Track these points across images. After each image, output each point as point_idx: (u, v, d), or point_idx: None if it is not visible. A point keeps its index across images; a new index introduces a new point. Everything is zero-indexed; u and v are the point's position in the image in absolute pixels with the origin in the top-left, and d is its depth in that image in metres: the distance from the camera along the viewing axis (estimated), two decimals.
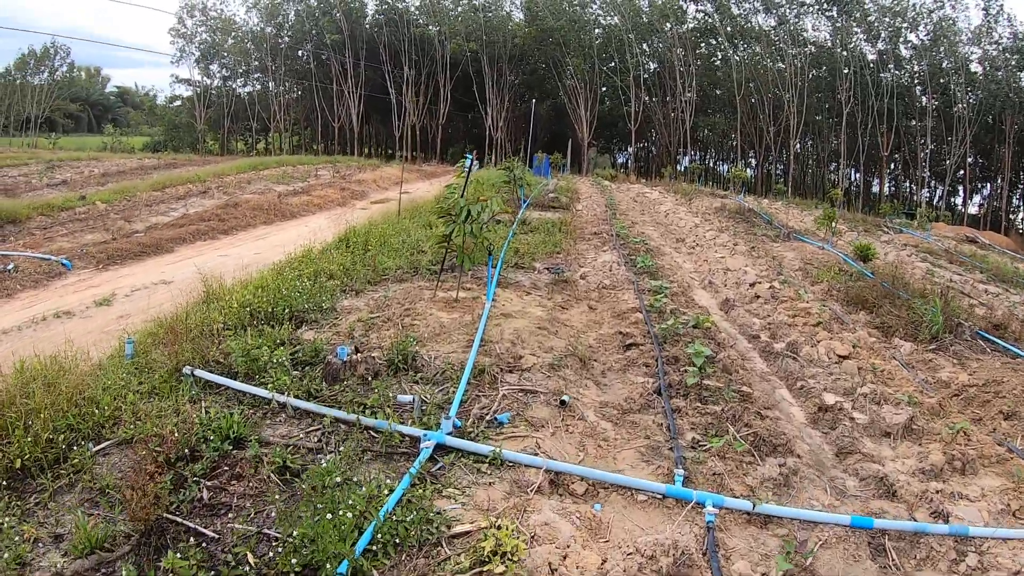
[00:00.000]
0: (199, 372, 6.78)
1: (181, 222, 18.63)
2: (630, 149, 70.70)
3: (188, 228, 17.57)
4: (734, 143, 64.37)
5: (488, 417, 5.75)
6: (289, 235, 17.19)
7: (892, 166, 59.34)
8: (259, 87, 70.03)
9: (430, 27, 62.22)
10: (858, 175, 61.08)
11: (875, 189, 61.97)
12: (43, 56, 69.78)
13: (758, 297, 12.96)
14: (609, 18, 61.46)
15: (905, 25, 53.47)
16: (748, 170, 60.32)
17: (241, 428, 5.67)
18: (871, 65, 54.19)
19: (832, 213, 20.06)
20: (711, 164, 70.94)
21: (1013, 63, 50.80)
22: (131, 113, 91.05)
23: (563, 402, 6.22)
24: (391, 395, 6.07)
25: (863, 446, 7.43)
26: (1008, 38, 51.11)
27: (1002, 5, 49.69)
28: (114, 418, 5.99)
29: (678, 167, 61.24)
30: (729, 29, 58.13)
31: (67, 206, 20.79)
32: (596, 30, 61.17)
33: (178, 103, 71.15)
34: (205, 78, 68.19)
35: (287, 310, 8.72)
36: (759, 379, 8.85)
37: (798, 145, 57.77)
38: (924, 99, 53.13)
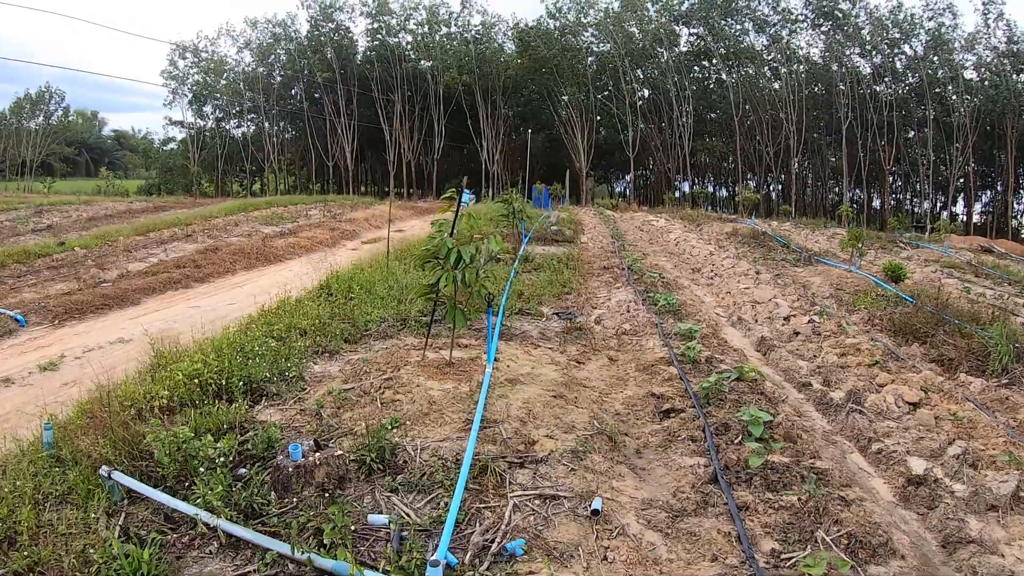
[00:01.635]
0: (117, 475, 5.18)
1: (156, 269, 17.11)
2: (628, 177, 69.64)
3: (161, 276, 16.03)
4: (732, 166, 63.24)
5: (494, 548, 4.10)
6: (269, 281, 15.67)
7: (891, 179, 57.98)
8: (253, 127, 69.23)
9: (422, 62, 61.51)
10: (859, 191, 59.65)
11: (875, 204, 60.65)
12: (38, 100, 69.86)
13: (797, 334, 11.36)
14: (602, 45, 60.63)
15: (899, 36, 52.45)
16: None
17: (153, 568, 4.07)
18: (868, 79, 53.12)
19: (859, 234, 18.59)
20: (711, 189, 69.69)
21: (1009, 67, 49.63)
22: (128, 156, 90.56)
23: (595, 511, 4.59)
24: (360, 513, 4.44)
25: (971, 529, 5.83)
26: (1004, 43, 50.01)
27: (1001, 11, 48.34)
28: (9, 538, 4.50)
29: (677, 193, 60.01)
30: (723, 51, 57.22)
31: (44, 252, 19.56)
32: (589, 58, 60.32)
33: (172, 145, 70.48)
34: (198, 119, 67.61)
35: (243, 382, 7.14)
36: (823, 441, 7.23)
37: (796, 164, 56.36)
38: (923, 109, 51.92)
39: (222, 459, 5.16)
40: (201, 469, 5.09)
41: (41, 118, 70.64)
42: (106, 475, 5.21)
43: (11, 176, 67.27)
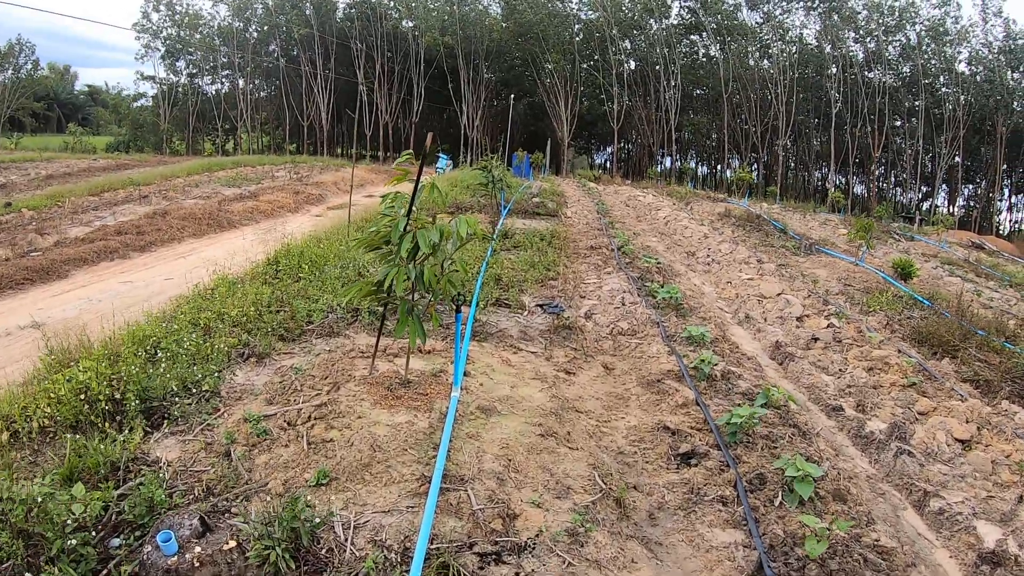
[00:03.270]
0: None
1: (95, 235, 15.29)
2: (609, 149, 67.81)
3: (98, 244, 14.24)
4: (715, 144, 61.66)
5: None
6: (216, 252, 13.94)
7: (875, 168, 56.74)
8: (227, 85, 66.38)
9: (404, 21, 58.96)
10: (841, 177, 58.25)
11: (857, 190, 59.32)
12: (7, 52, 67.19)
13: (816, 340, 9.92)
14: (590, 13, 58.41)
15: (895, 23, 50.92)
16: (730, 171, 57.71)
17: None
18: (860, 64, 51.63)
19: (869, 225, 17.17)
20: (693, 165, 68.06)
21: (1004, 63, 48.45)
22: (100, 112, 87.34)
23: None
24: None
25: None
26: (1000, 39, 48.75)
27: (1000, 7, 47.02)
28: None
29: (659, 167, 58.44)
30: (714, 26, 55.32)
31: None
32: (576, 25, 58.10)
33: (143, 102, 67.49)
34: (171, 75, 64.44)
35: (141, 399, 5.57)
36: (871, 493, 5.80)
37: (783, 145, 54.79)
38: (912, 99, 50.60)
39: (81, 535, 3.61)
40: (56, 545, 3.54)
41: (10, 72, 67.94)
42: None
43: None
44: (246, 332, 7.24)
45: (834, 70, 51.31)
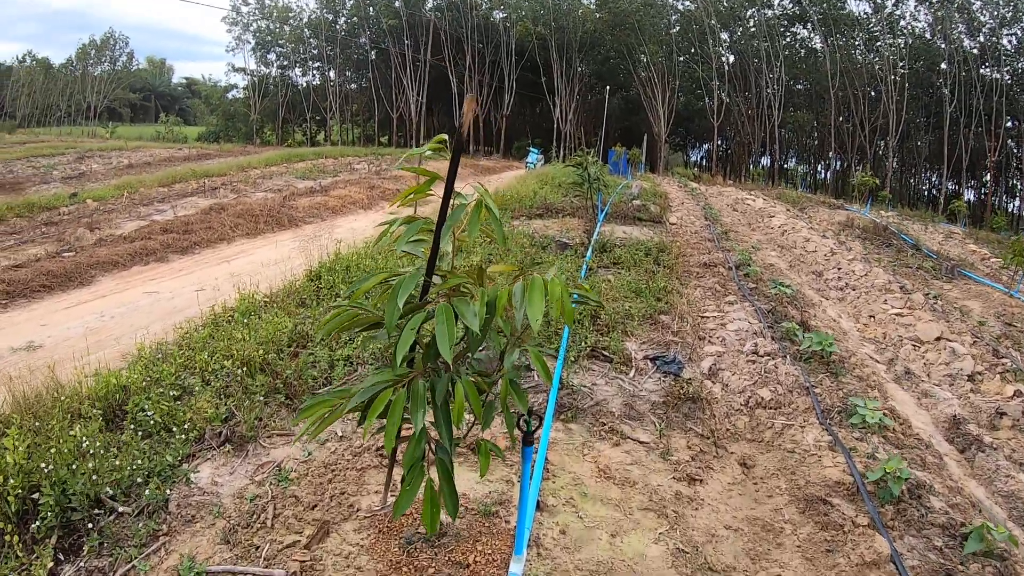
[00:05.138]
0: None
1: (140, 233, 13.79)
2: (706, 146, 64.23)
3: (138, 244, 12.68)
4: (816, 142, 57.03)
5: None
6: (263, 257, 12.17)
7: (983, 174, 50.73)
8: (317, 77, 66.20)
9: (494, 12, 57.02)
10: (952, 183, 52.23)
11: (967, 197, 53.12)
12: (103, 45, 69.93)
13: (1001, 415, 7.18)
14: (687, 3, 54.99)
15: (1009, 14, 45.23)
16: (827, 172, 53.13)
17: None
18: (974, 59, 46.19)
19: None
20: (793, 164, 63.43)
21: None
22: (196, 103, 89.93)
23: None
24: None
25: None
26: None
27: None
28: None
29: (759, 166, 54.46)
30: (820, 15, 50.82)
31: (52, 205, 17.35)
32: (672, 16, 54.82)
33: (234, 93, 68.45)
34: (262, 67, 64.77)
35: (60, 506, 3.68)
36: None
37: (893, 146, 49.64)
38: None
39: None
40: None
41: (106, 64, 70.71)
42: None
43: (79, 121, 67.14)
44: (242, 391, 5.17)
45: (945, 66, 46.21)
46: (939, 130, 47.03)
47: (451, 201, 2.39)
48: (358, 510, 3.59)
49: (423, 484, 2.28)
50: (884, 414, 6.21)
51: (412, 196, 2.61)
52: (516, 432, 2.99)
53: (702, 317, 8.81)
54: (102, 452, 4.20)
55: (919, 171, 55.88)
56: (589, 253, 11.42)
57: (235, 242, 13.83)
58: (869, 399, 6.34)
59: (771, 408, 6.13)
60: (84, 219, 15.57)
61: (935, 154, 49.18)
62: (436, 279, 2.46)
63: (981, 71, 45.82)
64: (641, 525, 3.96)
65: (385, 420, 2.16)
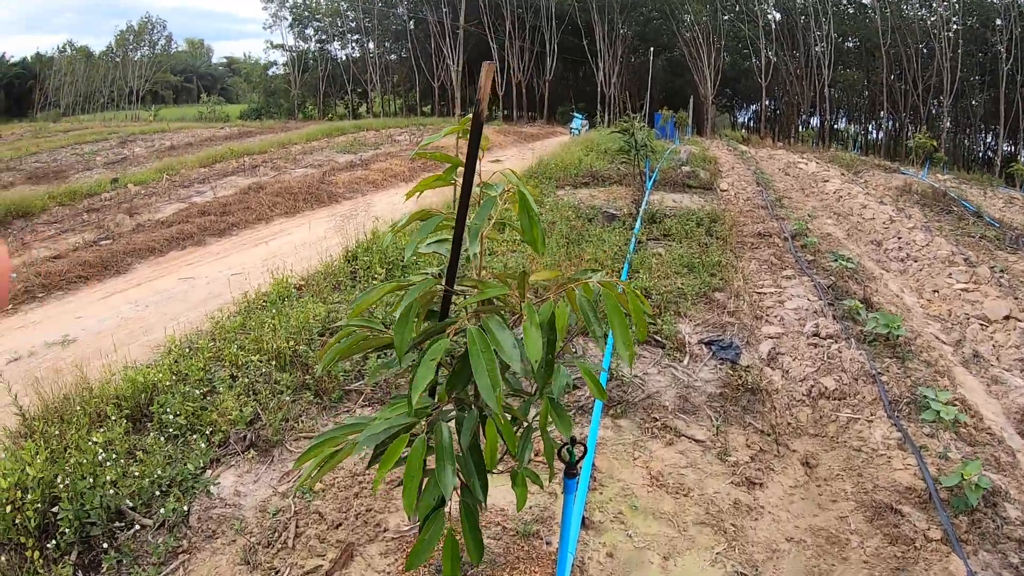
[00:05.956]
0: None
1: (178, 217, 13.71)
2: (753, 107, 62.30)
3: (175, 228, 12.57)
4: (866, 102, 54.68)
5: None
6: (302, 237, 11.93)
7: None
8: (357, 50, 65.89)
9: None
10: (1008, 145, 49.36)
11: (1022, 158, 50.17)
12: (141, 30, 70.94)
13: None
14: None
15: None
16: (879, 133, 50.85)
17: None
18: None
19: None
20: (844, 125, 61.03)
21: None
22: (237, 82, 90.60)
23: None
24: None
25: None
26: None
27: None
28: None
29: (808, 127, 52.54)
30: None
31: (94, 192, 17.21)
32: None
33: (274, 69, 68.64)
34: (300, 42, 64.70)
35: (79, 519, 3.50)
36: None
37: (948, 105, 47.11)
38: None
39: None
40: None
41: (146, 48, 71.72)
42: None
43: (122, 106, 68.19)
44: (271, 388, 4.91)
45: (1000, 21, 43.67)
46: (994, 89, 44.83)
47: (468, 195, 2.00)
48: (385, 530, 3.30)
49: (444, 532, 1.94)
50: (958, 409, 5.69)
51: (435, 183, 2.24)
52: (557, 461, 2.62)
53: (758, 293, 8.30)
54: (122, 462, 3.98)
55: (974, 132, 53.36)
56: (638, 225, 10.92)
57: (273, 222, 13.65)
58: (940, 390, 5.82)
59: (835, 399, 5.67)
60: (124, 204, 15.53)
61: (990, 114, 46.86)
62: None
63: None
64: (696, 543, 3.58)
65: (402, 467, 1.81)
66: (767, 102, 58.32)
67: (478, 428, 1.94)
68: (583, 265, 7.61)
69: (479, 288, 2.02)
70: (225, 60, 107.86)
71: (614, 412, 4.90)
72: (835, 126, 56.61)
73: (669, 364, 5.84)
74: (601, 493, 3.87)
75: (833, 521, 4.23)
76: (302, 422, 4.60)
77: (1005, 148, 48.13)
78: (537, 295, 2.63)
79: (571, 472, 2.46)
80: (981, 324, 8.83)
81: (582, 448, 2.38)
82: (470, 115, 2.12)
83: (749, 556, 3.63)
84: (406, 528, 3.39)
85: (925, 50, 46.56)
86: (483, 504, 1.94)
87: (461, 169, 2.05)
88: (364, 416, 2.21)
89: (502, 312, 1.99)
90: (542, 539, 3.35)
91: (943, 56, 44.45)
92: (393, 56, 66.31)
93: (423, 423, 1.88)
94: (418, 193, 2.19)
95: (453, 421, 1.98)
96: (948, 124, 48.08)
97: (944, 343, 8.33)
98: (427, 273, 2.23)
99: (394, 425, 1.82)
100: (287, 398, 4.83)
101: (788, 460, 4.77)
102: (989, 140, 51.09)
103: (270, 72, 69.06)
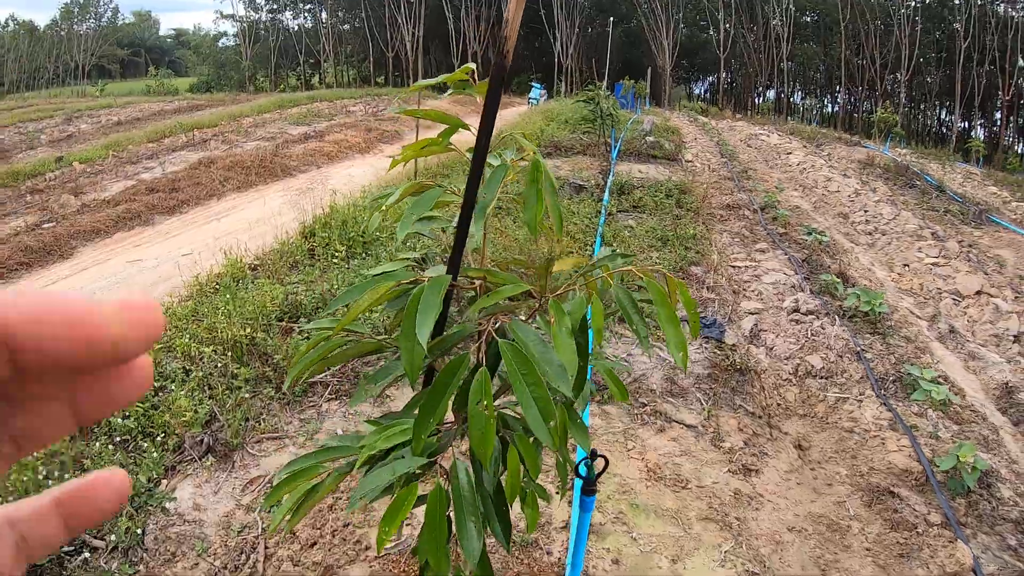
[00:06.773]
0: None
1: (126, 196, 12.99)
2: (710, 79, 62.35)
3: (122, 208, 11.90)
4: (822, 76, 55.22)
5: None
6: (256, 213, 11.38)
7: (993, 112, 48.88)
8: (310, 19, 64.16)
9: None
10: (962, 121, 50.19)
11: (975, 134, 51.25)
12: (86, 3, 68.24)
13: None
14: None
15: None
16: (834, 107, 51.36)
17: None
18: None
19: None
20: (798, 98, 61.55)
21: None
22: (186, 55, 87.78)
23: None
24: None
25: None
26: None
27: None
28: None
29: (765, 100, 52.91)
30: None
31: (37, 172, 16.18)
32: None
33: (224, 41, 66.46)
34: (251, 12, 62.67)
35: None
36: None
37: (905, 81, 47.72)
38: None
39: None
40: None
41: (92, 21, 69.00)
42: None
43: (68, 81, 65.55)
44: (227, 381, 4.50)
45: (957, 0, 44.31)
46: (950, 67, 45.41)
47: (480, 171, 1.64)
48: (366, 548, 2.97)
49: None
50: (947, 388, 5.54)
51: (425, 148, 1.83)
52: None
53: (733, 267, 8.09)
54: (67, 476, 3.58)
55: (929, 107, 54.16)
56: (607, 196, 10.61)
57: (225, 197, 13.04)
58: (924, 367, 5.68)
59: (822, 378, 5.48)
60: (69, 184, 14.70)
61: (944, 91, 47.59)
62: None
63: (995, 6, 44.01)
64: (703, 542, 3.33)
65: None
66: (724, 74, 58.35)
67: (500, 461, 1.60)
68: (564, 241, 7.29)
69: (486, 279, 1.66)
70: (173, 32, 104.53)
71: (600, 398, 4.62)
72: (792, 99, 57.02)
73: (653, 344, 5.58)
74: (599, 491, 3.60)
75: (831, 506, 4.04)
76: (264, 420, 4.22)
77: (959, 124, 48.97)
78: (550, 268, 2.29)
79: (589, 489, 2.15)
80: (954, 299, 8.78)
81: (603, 461, 2.07)
82: (444, 74, 1.72)
83: (756, 551, 3.40)
84: (390, 547, 3.08)
85: (883, 27, 46.90)
86: (507, 549, 1.61)
87: (460, 133, 1.69)
88: (344, 435, 1.86)
89: (515, 310, 1.65)
90: (542, 548, 3.07)
91: (901, 33, 44.83)
92: (346, 26, 64.74)
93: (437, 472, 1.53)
94: (402, 163, 1.82)
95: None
96: (904, 99, 48.66)
97: (920, 318, 8.24)
98: (408, 258, 1.87)
99: (399, 471, 1.47)
100: (246, 394, 4.44)
101: (781, 444, 4.56)
102: (943, 116, 51.83)
103: (220, 44, 66.93)
